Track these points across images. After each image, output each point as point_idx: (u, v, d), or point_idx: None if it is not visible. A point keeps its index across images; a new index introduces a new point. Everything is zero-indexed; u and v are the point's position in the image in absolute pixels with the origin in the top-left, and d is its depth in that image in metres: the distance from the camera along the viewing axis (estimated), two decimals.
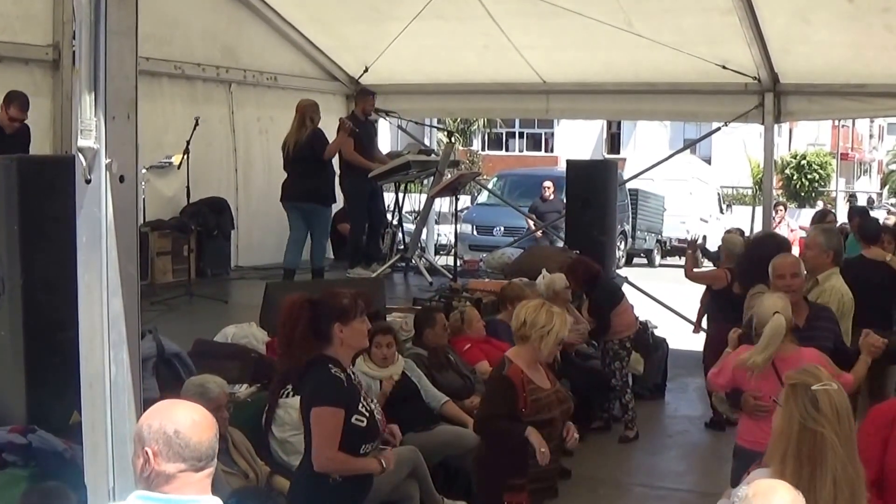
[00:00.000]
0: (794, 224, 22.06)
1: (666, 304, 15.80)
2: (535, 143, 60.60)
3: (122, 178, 4.47)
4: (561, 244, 16.12)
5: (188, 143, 12.20)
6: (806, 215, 27.05)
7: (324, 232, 13.36)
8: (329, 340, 5.74)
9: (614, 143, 57.83)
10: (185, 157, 12.23)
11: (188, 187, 12.32)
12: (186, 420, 3.57)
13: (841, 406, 4.32)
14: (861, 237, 10.75)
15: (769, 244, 9.28)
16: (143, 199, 11.68)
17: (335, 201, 13.28)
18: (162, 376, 7.41)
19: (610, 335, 11.23)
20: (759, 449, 5.58)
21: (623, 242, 25.42)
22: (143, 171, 11.87)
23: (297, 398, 7.46)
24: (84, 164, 4.40)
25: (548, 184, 22.43)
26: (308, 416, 5.75)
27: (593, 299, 11.44)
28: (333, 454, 5.65)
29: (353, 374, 5.92)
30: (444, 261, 16.06)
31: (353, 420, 5.65)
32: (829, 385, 4.36)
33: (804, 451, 4.26)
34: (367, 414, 5.75)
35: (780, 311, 6.44)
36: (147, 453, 3.51)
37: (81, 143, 4.40)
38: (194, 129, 12.21)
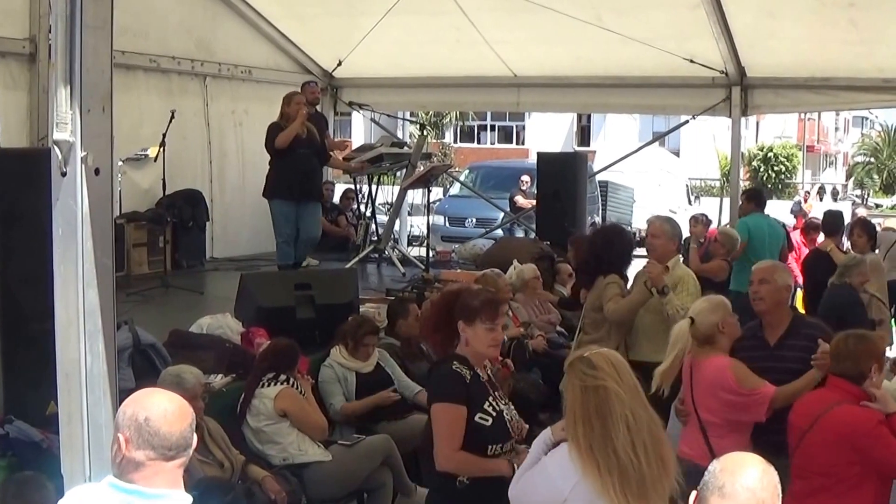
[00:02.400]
0: None
1: None
2: (506, 135, 60.65)
3: (97, 171, 4.49)
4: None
5: (164, 135, 12.22)
6: (772, 206, 27.23)
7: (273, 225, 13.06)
8: (458, 337, 5.63)
9: (584, 135, 57.96)
10: (161, 149, 12.25)
11: (164, 180, 12.34)
12: (159, 409, 3.59)
13: (617, 361, 4.49)
14: (823, 230, 11.02)
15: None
16: (119, 192, 11.72)
17: (269, 196, 12.85)
18: (138, 367, 7.46)
19: None
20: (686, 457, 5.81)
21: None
22: (119, 163, 11.90)
23: (271, 389, 7.60)
24: (60, 156, 4.40)
25: (525, 177, 22.51)
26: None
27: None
28: (452, 453, 5.40)
29: (481, 374, 5.62)
30: (416, 252, 16.18)
31: (476, 418, 5.42)
32: (597, 349, 4.59)
33: (590, 409, 4.34)
34: (495, 414, 5.49)
35: (694, 316, 6.60)
36: (119, 439, 3.56)
37: (57, 135, 4.40)
38: (170, 121, 12.23)
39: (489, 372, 5.73)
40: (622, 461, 4.25)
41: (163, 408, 3.60)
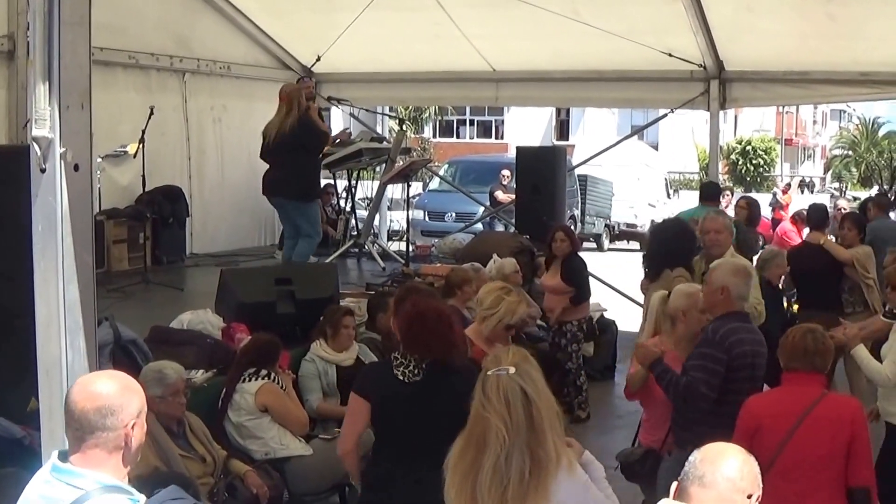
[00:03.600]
0: None
1: (615, 287, 15.99)
2: (485, 130, 60.72)
3: (76, 167, 4.49)
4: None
5: (143, 132, 12.19)
6: None
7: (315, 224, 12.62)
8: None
9: (563, 129, 58.04)
10: (141, 145, 12.23)
11: (143, 176, 12.32)
12: (79, 386, 3.66)
13: (511, 392, 4.16)
14: (808, 224, 11.06)
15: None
16: (99, 188, 11.67)
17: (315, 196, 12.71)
18: (119, 362, 7.43)
19: (569, 316, 11.28)
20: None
21: (572, 227, 25.57)
22: (98, 160, 11.86)
23: (252, 384, 7.60)
24: (39, 153, 4.41)
25: (505, 172, 22.57)
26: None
27: (574, 266, 11.31)
28: None
29: None
30: (396, 246, 16.20)
31: None
32: (503, 371, 4.21)
33: (475, 434, 4.21)
34: None
35: (671, 292, 6.82)
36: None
37: (36, 132, 4.41)
38: (149, 118, 12.22)
39: None
40: (475, 494, 4.17)
41: (82, 386, 3.66)
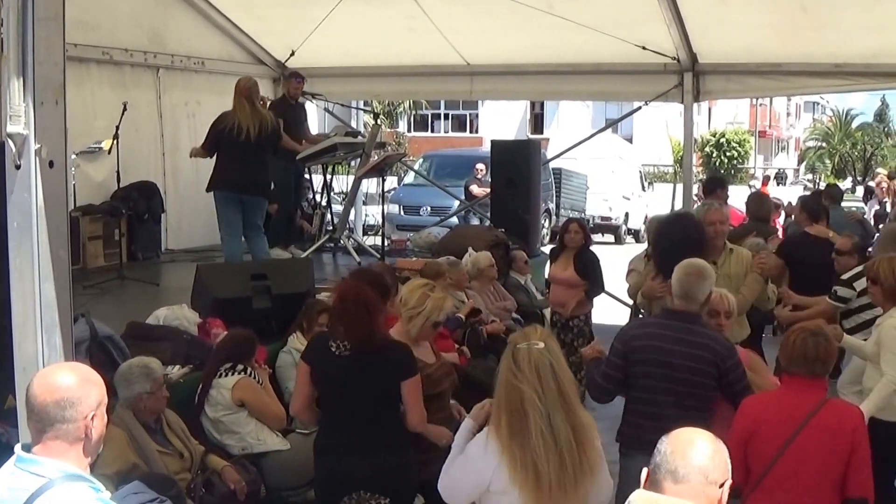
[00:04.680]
0: None
1: None
2: (460, 124, 60.76)
3: (51, 164, 4.50)
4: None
5: (117, 128, 12.16)
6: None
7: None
8: (385, 323, 6.15)
9: (538, 123, 58.13)
10: (115, 142, 12.19)
11: (118, 172, 12.28)
12: (39, 379, 3.72)
13: (542, 365, 4.55)
14: (807, 215, 11.06)
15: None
16: (73, 185, 11.64)
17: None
18: (95, 359, 7.42)
19: (580, 310, 11.22)
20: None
21: (547, 220, 25.60)
22: (73, 156, 11.80)
23: (228, 379, 7.61)
24: (14, 149, 4.42)
25: (480, 166, 22.60)
26: (393, 388, 6.02)
27: (588, 259, 11.21)
28: (425, 415, 6.14)
29: None
30: (372, 241, 16.19)
31: None
32: (534, 344, 4.61)
33: (511, 405, 4.56)
34: None
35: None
36: None
37: (10, 128, 4.42)
38: (123, 114, 12.18)
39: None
40: (536, 462, 4.45)
41: (42, 377, 3.73)
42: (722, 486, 3.44)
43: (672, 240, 8.16)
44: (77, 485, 3.59)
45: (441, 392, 6.74)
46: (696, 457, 3.42)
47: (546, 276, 12.25)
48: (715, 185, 13.55)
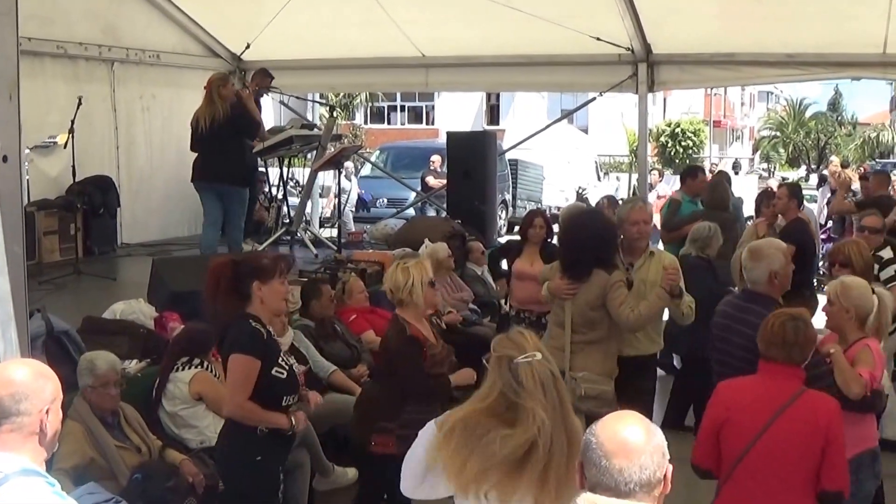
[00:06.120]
0: (668, 189, 22.49)
1: None
2: (416, 115, 60.74)
3: (4, 158, 4.49)
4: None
5: (73, 122, 12.10)
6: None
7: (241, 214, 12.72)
8: (249, 299, 5.89)
9: (494, 114, 58.18)
10: (70, 136, 12.13)
11: (73, 166, 12.23)
12: None
13: (544, 377, 4.27)
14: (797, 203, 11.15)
15: None
16: (28, 180, 11.57)
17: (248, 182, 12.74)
18: (52, 354, 7.41)
19: (545, 307, 10.99)
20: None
21: (504, 211, 25.65)
22: (27, 151, 11.74)
23: (186, 373, 7.61)
24: None
25: (436, 158, 22.62)
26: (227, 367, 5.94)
27: (554, 253, 10.96)
28: (243, 401, 5.78)
29: (273, 331, 6.06)
30: (328, 233, 16.17)
31: (273, 372, 5.82)
32: (531, 356, 4.29)
33: (505, 420, 4.24)
34: (287, 367, 5.95)
35: None
36: None
37: None
38: (77, 108, 12.12)
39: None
40: (531, 475, 4.21)
41: None
42: (665, 475, 3.25)
43: (579, 238, 7.72)
44: (32, 479, 3.58)
45: (441, 373, 6.83)
46: (634, 472, 3.19)
47: (507, 269, 12.11)
48: (689, 174, 13.67)
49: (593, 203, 18.60)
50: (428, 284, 6.85)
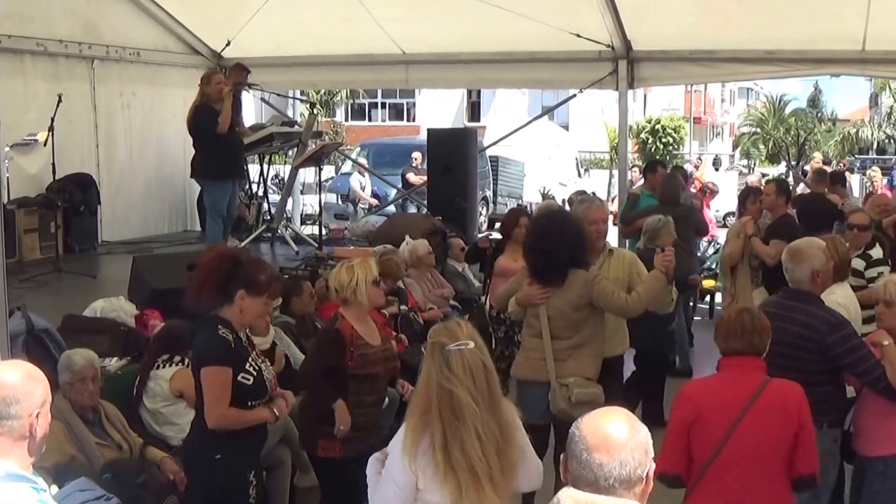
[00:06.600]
0: None
1: None
2: (397, 112, 60.72)
3: None
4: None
5: (52, 119, 12.08)
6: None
7: (208, 207, 12.91)
8: (230, 301, 5.89)
9: (474, 111, 58.17)
10: (50, 134, 12.11)
11: (53, 164, 12.20)
12: None
13: (474, 365, 4.45)
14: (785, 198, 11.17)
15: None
16: (8, 177, 11.55)
17: (211, 177, 12.64)
18: (32, 352, 7.41)
19: None
20: None
21: (485, 208, 25.66)
22: (7, 148, 11.73)
23: (167, 370, 7.61)
24: None
25: (417, 154, 22.64)
26: (198, 376, 5.90)
27: None
28: (225, 411, 5.80)
29: (242, 337, 6.00)
30: (309, 230, 16.19)
31: (239, 378, 5.82)
32: (463, 345, 4.47)
33: (444, 407, 4.42)
34: (255, 373, 5.92)
35: None
36: None
37: None
38: (57, 105, 12.10)
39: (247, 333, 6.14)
40: (468, 467, 4.37)
41: None
42: (647, 473, 3.23)
43: (551, 243, 7.37)
44: (18, 485, 3.53)
45: (374, 374, 6.79)
46: (614, 467, 3.19)
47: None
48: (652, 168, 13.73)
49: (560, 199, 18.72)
50: (372, 283, 6.85)
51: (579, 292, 7.24)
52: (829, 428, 6.29)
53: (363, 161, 25.99)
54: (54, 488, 3.70)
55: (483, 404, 4.42)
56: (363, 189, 24.02)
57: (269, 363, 6.24)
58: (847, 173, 24.10)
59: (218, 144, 12.17)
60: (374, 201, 23.32)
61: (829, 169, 20.67)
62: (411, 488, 4.48)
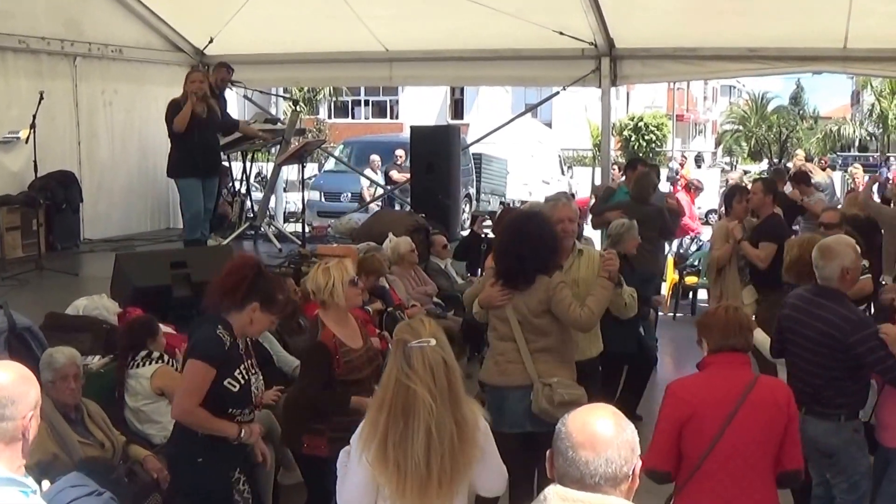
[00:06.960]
0: None
1: None
2: (380, 110, 60.72)
3: None
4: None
5: (34, 117, 12.05)
6: None
7: (181, 203, 13.04)
8: (240, 309, 5.85)
9: (458, 108, 58.19)
10: (32, 131, 12.08)
11: (35, 162, 12.17)
12: None
13: (435, 363, 4.48)
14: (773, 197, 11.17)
15: None
16: None
17: (177, 174, 12.71)
18: (14, 350, 7.38)
19: None
20: None
21: (468, 205, 25.61)
22: None
23: (147, 368, 7.60)
24: None
25: (400, 152, 22.62)
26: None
27: None
28: (192, 407, 5.73)
29: (241, 344, 5.94)
30: (293, 228, 16.17)
31: (225, 383, 5.75)
32: (425, 342, 4.50)
33: (398, 403, 4.46)
34: (242, 381, 5.85)
35: None
36: None
37: None
38: (39, 103, 12.07)
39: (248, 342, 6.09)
40: (412, 464, 4.39)
41: None
42: (633, 470, 3.23)
43: (518, 246, 7.07)
44: (6, 490, 3.49)
45: (360, 379, 6.74)
46: (600, 465, 3.19)
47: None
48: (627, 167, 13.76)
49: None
50: (350, 284, 6.82)
51: (540, 298, 6.97)
52: (846, 420, 6.48)
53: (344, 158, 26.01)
54: (46, 483, 3.67)
55: (441, 402, 4.44)
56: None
57: (260, 376, 6.14)
58: (829, 170, 24.10)
59: (186, 143, 12.15)
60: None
61: (811, 166, 20.77)
62: (369, 481, 4.50)
